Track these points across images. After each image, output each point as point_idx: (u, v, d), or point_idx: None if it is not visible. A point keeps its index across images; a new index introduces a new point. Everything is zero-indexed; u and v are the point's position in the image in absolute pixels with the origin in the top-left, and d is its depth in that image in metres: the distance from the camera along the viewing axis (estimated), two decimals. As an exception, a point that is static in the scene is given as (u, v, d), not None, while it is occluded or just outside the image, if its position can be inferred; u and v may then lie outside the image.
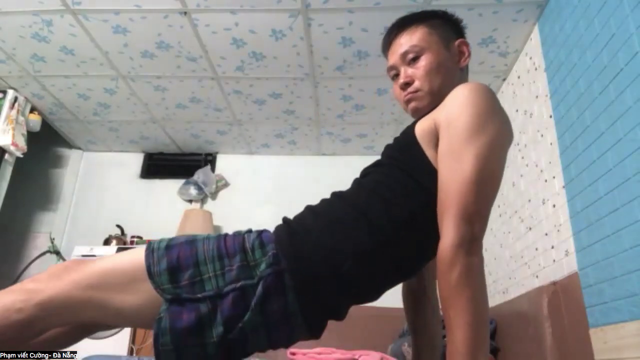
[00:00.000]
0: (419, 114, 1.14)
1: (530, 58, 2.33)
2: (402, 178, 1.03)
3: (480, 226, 0.90)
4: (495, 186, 0.96)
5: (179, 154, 3.88)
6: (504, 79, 2.70)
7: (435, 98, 1.10)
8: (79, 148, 3.89)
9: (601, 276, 1.60)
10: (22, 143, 3.00)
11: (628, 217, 1.47)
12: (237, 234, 1.03)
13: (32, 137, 3.14)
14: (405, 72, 1.15)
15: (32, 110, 3.19)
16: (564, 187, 1.91)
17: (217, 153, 3.86)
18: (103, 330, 1.18)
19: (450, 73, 1.13)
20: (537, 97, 2.23)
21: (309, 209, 1.08)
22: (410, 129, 1.07)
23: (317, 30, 2.38)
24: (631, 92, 1.47)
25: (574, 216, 1.81)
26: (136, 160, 3.86)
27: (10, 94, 3.00)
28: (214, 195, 3.72)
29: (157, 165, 3.85)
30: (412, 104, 1.14)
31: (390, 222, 0.99)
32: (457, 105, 0.98)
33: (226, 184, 3.75)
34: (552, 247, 1.99)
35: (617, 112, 1.54)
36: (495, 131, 0.96)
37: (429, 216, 0.97)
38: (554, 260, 1.97)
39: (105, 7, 2.29)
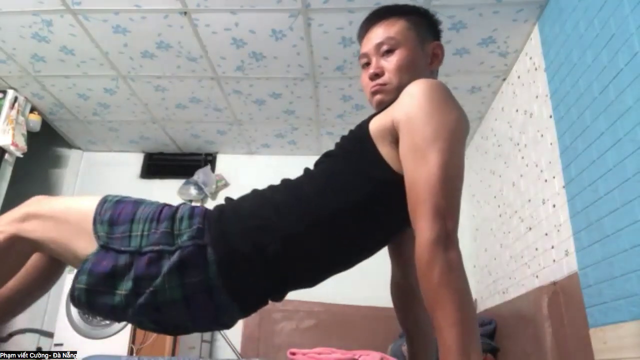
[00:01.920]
0: (382, 107, 1.14)
1: (530, 58, 2.33)
2: (349, 170, 1.05)
3: (453, 221, 0.90)
4: (461, 179, 0.97)
5: (179, 154, 3.88)
6: (504, 79, 2.70)
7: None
8: (79, 148, 3.89)
9: (601, 276, 1.61)
10: (22, 143, 3.00)
11: (628, 217, 1.47)
12: (176, 205, 1.09)
13: (32, 137, 3.14)
14: (377, 63, 1.14)
15: (32, 110, 3.19)
16: (564, 187, 1.91)
17: (217, 153, 3.86)
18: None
19: (420, 73, 1.12)
20: (537, 97, 2.23)
21: (253, 191, 1.13)
22: (365, 124, 1.08)
23: (317, 30, 2.38)
24: (631, 92, 1.47)
25: (574, 216, 1.81)
26: (136, 160, 3.86)
27: (10, 94, 3.00)
28: (214, 195, 3.72)
29: (157, 165, 3.85)
30: (378, 97, 1.14)
31: (330, 211, 1.01)
32: (414, 103, 0.98)
33: (226, 184, 3.75)
34: (552, 247, 1.99)
35: (617, 112, 1.54)
36: (453, 125, 0.97)
37: (374, 209, 1.00)
38: (554, 260, 1.97)
39: (105, 7, 2.29)
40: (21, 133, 3.01)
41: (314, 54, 2.56)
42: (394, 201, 0.98)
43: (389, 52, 1.13)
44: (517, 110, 2.49)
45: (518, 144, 2.44)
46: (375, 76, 1.13)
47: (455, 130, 0.96)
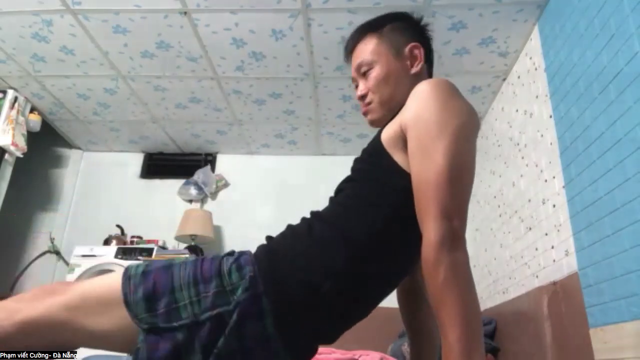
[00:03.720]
0: (377, 125, 1.15)
1: (530, 58, 2.33)
2: (375, 188, 1.02)
3: (460, 220, 0.89)
4: (469, 178, 0.96)
5: (179, 154, 3.88)
6: (504, 79, 2.70)
7: (388, 108, 1.11)
8: (79, 148, 3.89)
9: (601, 276, 1.60)
10: (22, 143, 3.01)
11: (628, 217, 1.47)
12: (215, 258, 1.00)
13: (32, 137, 3.14)
14: (360, 85, 1.17)
15: (32, 110, 3.19)
16: (564, 187, 1.91)
17: (217, 153, 3.86)
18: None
19: (400, 81, 1.13)
20: (537, 97, 2.23)
21: (289, 228, 1.06)
22: (377, 138, 1.07)
23: (317, 30, 2.38)
24: (631, 92, 1.47)
25: (574, 216, 1.81)
26: (136, 160, 3.87)
27: (10, 94, 3.01)
28: (214, 195, 3.72)
29: (157, 165, 3.85)
30: (368, 117, 1.17)
31: (370, 236, 0.98)
32: (420, 103, 0.97)
33: (226, 184, 3.75)
34: (552, 247, 1.99)
35: (617, 112, 1.54)
36: (460, 123, 0.95)
37: (409, 220, 0.96)
38: (554, 260, 1.97)
39: (105, 7, 2.29)
40: (21, 133, 3.01)
41: (314, 54, 2.56)
42: None
43: (367, 72, 1.15)
44: (517, 110, 2.49)
45: (518, 144, 2.44)
46: (361, 98, 1.17)
47: (462, 127, 0.95)
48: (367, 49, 1.15)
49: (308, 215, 1.08)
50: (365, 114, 1.17)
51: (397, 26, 1.17)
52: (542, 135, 2.15)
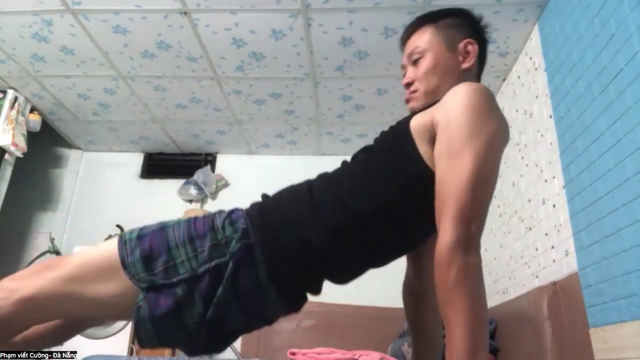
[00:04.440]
0: (416, 112, 1.16)
1: (530, 58, 2.33)
2: (387, 165, 1.05)
3: (477, 226, 0.90)
4: (492, 186, 0.97)
5: (179, 154, 3.88)
6: (504, 79, 2.70)
7: (432, 98, 1.12)
8: (79, 148, 3.89)
9: (601, 276, 1.61)
10: (22, 143, 3.00)
11: (628, 217, 1.47)
12: (207, 216, 1.06)
13: (32, 137, 3.14)
14: (409, 72, 1.18)
15: (32, 110, 3.19)
16: (564, 187, 1.91)
17: (217, 153, 3.86)
18: (88, 328, 1.19)
19: (449, 74, 1.13)
20: (537, 97, 2.23)
21: (290, 187, 1.12)
22: (406, 121, 1.09)
23: (317, 30, 2.38)
24: (631, 92, 1.47)
25: (574, 216, 1.81)
26: (136, 160, 3.86)
27: (10, 94, 3.00)
28: (214, 195, 3.72)
29: (157, 165, 3.85)
30: (410, 104, 1.18)
31: (366, 206, 1.01)
32: (456, 106, 0.98)
33: (226, 184, 3.75)
34: (552, 247, 1.99)
35: (617, 112, 1.54)
36: (492, 132, 0.97)
37: (408, 206, 1.00)
38: (554, 260, 1.97)
39: (105, 7, 2.29)
40: (21, 133, 3.01)
41: (314, 54, 2.56)
42: (430, 198, 0.97)
43: (417, 60, 1.16)
44: (517, 110, 2.49)
45: (518, 144, 2.44)
46: (407, 85, 1.18)
47: (493, 138, 0.96)
48: (422, 38, 1.17)
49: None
50: (407, 100, 1.18)
51: (455, 21, 1.18)
52: (542, 135, 2.15)
